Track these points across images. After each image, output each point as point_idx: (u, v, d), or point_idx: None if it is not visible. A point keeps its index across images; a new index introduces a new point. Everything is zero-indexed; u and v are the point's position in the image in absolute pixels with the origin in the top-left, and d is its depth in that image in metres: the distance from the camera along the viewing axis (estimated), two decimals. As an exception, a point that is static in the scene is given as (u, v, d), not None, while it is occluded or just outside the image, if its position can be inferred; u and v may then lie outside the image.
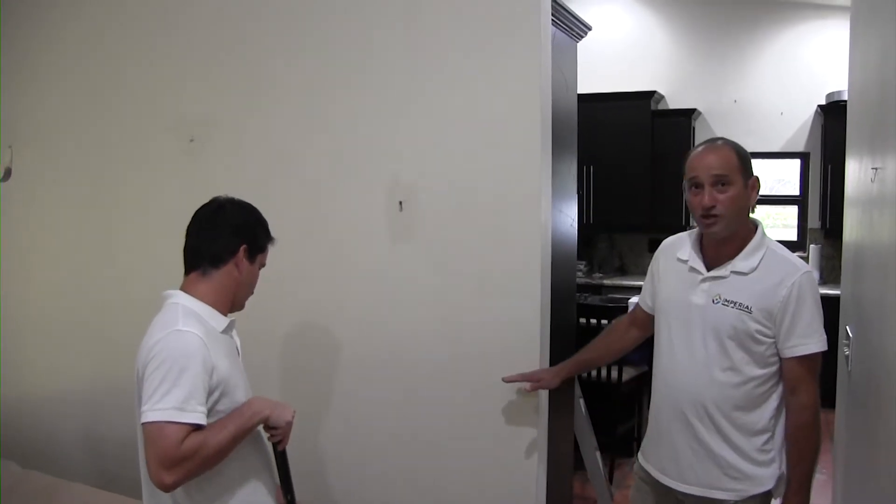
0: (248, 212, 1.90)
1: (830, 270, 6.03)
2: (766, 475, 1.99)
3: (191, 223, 1.86)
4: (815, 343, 1.93)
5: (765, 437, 1.99)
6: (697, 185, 2.00)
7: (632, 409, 4.61)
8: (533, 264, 2.42)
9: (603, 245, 6.97)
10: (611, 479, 4.15)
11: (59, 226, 3.41)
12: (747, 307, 1.94)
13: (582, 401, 3.48)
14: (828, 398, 3.57)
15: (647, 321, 2.29)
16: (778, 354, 1.97)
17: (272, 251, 1.94)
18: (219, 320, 1.81)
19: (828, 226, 5.92)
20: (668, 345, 2.10)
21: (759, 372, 1.96)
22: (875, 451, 1.82)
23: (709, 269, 2.04)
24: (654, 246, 7.74)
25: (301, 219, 2.76)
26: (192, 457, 1.58)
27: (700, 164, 2.01)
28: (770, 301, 1.93)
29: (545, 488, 2.53)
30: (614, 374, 4.22)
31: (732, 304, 1.96)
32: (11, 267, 3.54)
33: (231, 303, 1.87)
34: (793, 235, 6.39)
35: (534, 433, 2.46)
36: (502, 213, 2.45)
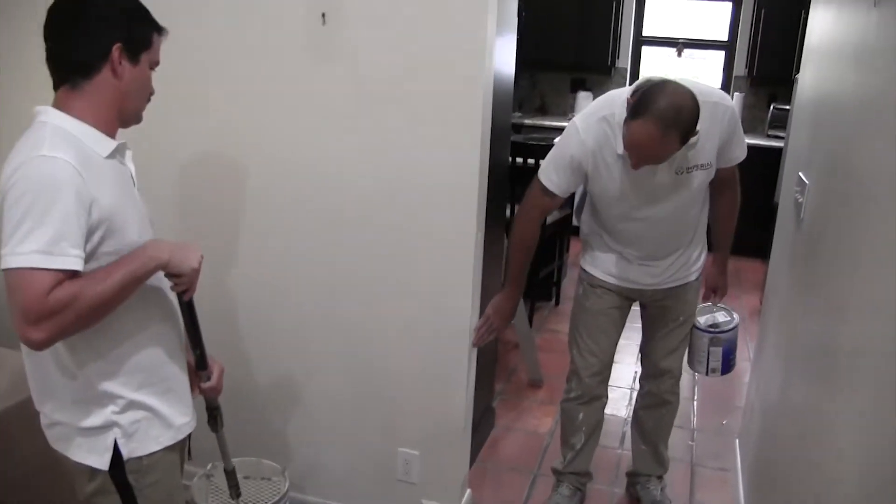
0: None
1: (751, 120, 6.01)
2: (704, 255, 2.51)
3: (46, 22, 1.43)
4: (744, 149, 2.31)
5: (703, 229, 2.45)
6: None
7: (553, 253, 4.56)
8: (474, 89, 2.15)
9: (524, 84, 6.70)
10: (531, 322, 4.14)
11: None
12: (709, 163, 2.21)
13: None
14: (762, 250, 3.60)
15: (559, 203, 2.37)
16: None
17: (172, 67, 1.56)
18: (102, 143, 1.45)
19: (754, 73, 5.84)
20: (634, 216, 2.30)
21: (706, 185, 2.33)
22: (829, 299, 1.75)
23: None
24: (576, 86, 7.46)
25: (206, 27, 2.36)
26: (62, 310, 1.29)
27: (640, 153, 2.04)
28: (715, 140, 2.18)
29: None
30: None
31: (698, 168, 2.19)
32: None
33: (118, 118, 1.50)
34: (717, 83, 6.30)
35: (469, 274, 2.32)
36: (441, 28, 2.13)
